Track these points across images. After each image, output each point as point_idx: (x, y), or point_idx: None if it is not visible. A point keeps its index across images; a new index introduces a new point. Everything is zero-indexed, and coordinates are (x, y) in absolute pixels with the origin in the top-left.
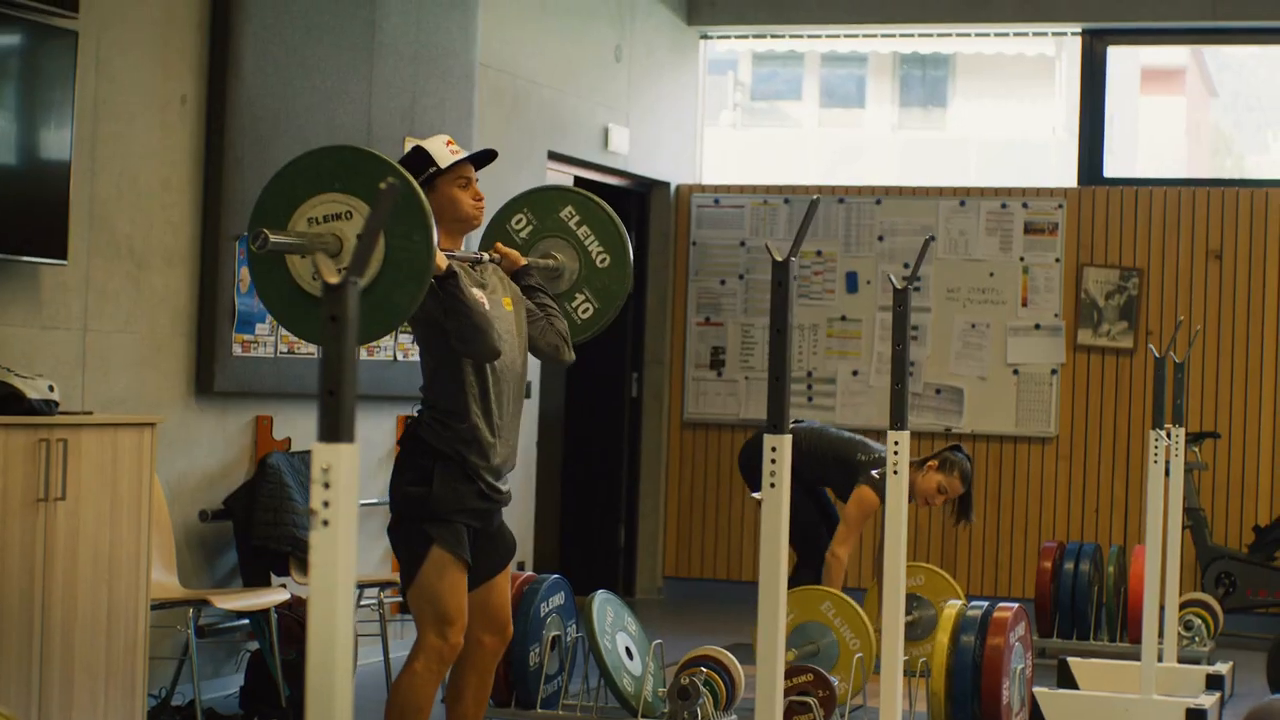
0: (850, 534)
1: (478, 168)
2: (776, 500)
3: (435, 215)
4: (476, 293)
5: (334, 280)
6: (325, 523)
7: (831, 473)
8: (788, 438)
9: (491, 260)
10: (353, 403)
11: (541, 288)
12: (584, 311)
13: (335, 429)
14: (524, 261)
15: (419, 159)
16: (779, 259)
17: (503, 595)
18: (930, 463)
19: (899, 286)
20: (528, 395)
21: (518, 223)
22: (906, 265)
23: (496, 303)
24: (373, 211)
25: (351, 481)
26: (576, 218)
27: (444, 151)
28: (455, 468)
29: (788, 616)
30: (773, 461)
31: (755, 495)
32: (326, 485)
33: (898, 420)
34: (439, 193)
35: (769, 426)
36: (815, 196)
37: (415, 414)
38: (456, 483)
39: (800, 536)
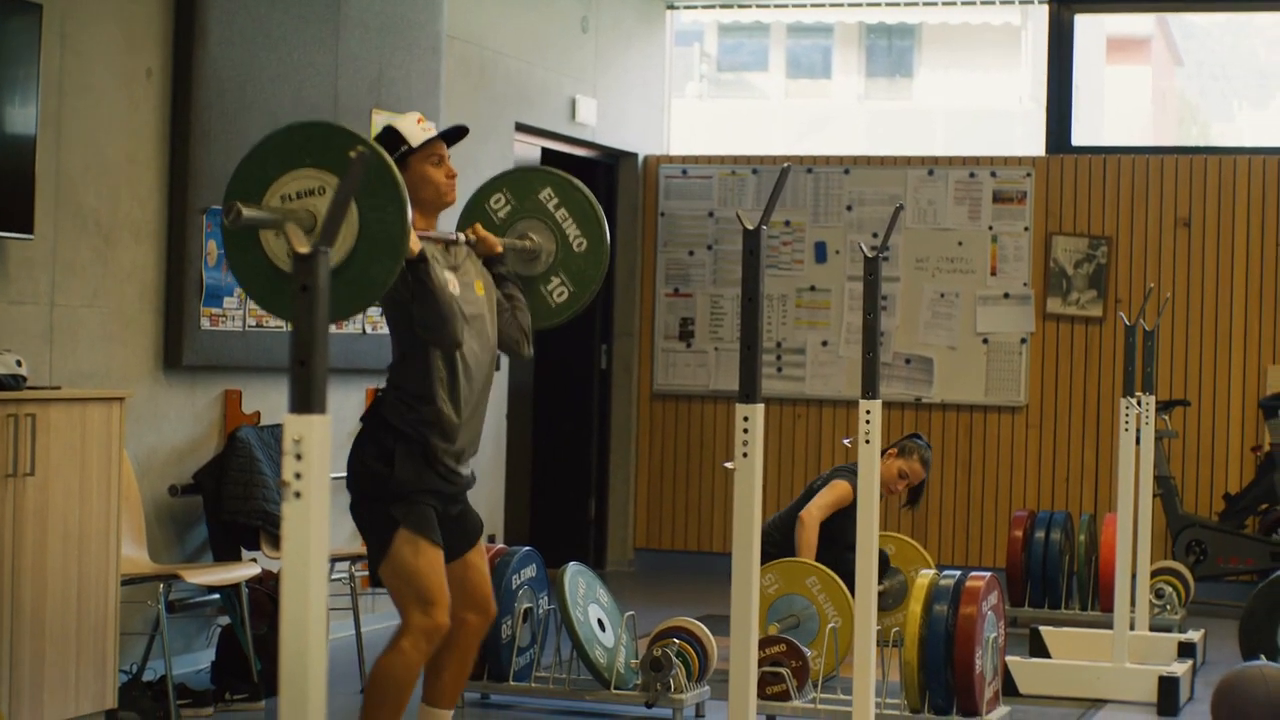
0: (822, 510)
1: (449, 144)
2: (749, 469)
3: (409, 194)
4: (449, 275)
5: (305, 250)
6: (297, 494)
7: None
8: (760, 407)
9: (467, 242)
10: (324, 374)
11: (511, 278)
12: (559, 295)
13: (307, 400)
14: (499, 249)
15: (390, 138)
16: (750, 227)
17: (480, 572)
18: (890, 450)
19: (869, 255)
20: (497, 368)
21: (496, 202)
22: (875, 235)
23: (469, 285)
24: (343, 180)
25: (324, 453)
26: (555, 200)
27: (415, 130)
28: (417, 448)
29: (772, 588)
30: (745, 431)
31: (728, 465)
32: (299, 457)
33: (869, 389)
34: (412, 171)
35: (741, 395)
36: (786, 165)
37: (379, 392)
38: (418, 463)
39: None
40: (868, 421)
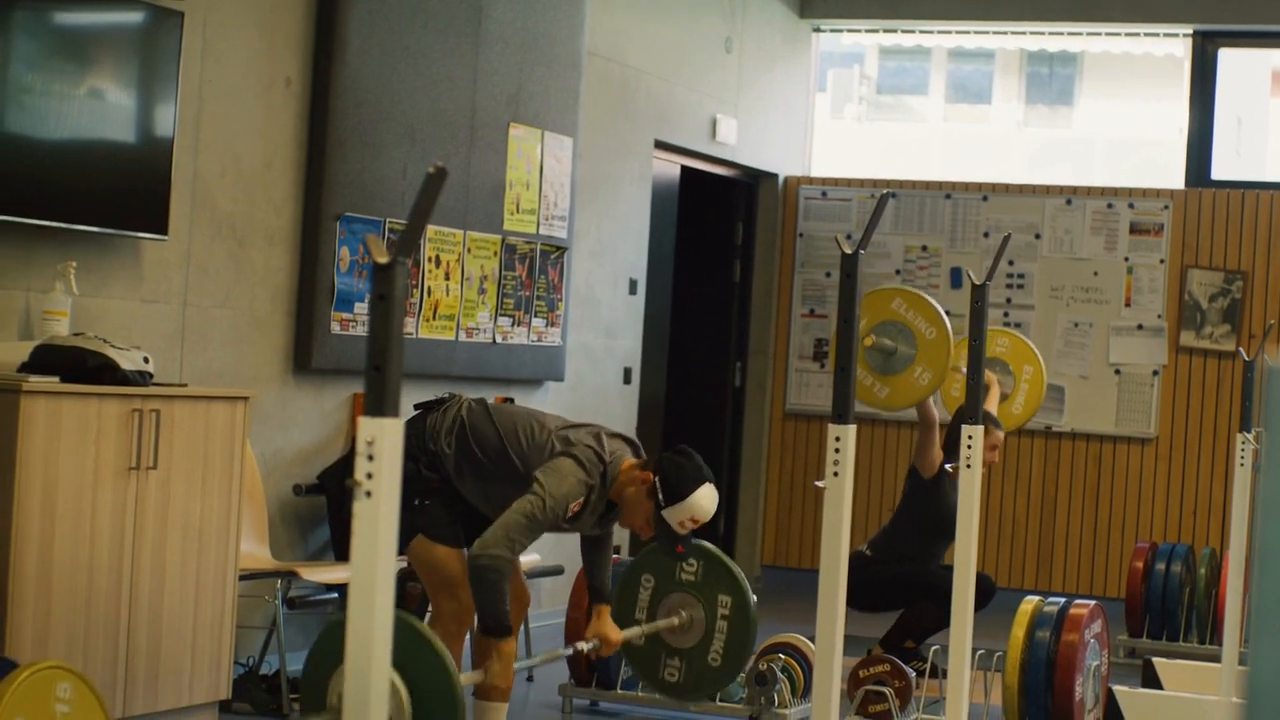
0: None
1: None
2: (839, 489)
3: (630, 501)
4: None
5: (384, 260)
6: (369, 494)
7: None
8: (851, 428)
9: (591, 649)
10: (398, 379)
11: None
12: (670, 675)
13: (381, 403)
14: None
15: (670, 488)
16: (848, 252)
17: None
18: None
19: (977, 283)
20: (627, 381)
21: (689, 566)
22: (1012, 263)
23: None
24: (421, 192)
25: (395, 455)
26: (727, 613)
27: (684, 519)
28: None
29: (861, 320)
30: (836, 450)
31: (819, 484)
32: (370, 458)
33: (971, 414)
34: (656, 514)
35: (834, 416)
36: (887, 191)
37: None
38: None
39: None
40: (969, 446)
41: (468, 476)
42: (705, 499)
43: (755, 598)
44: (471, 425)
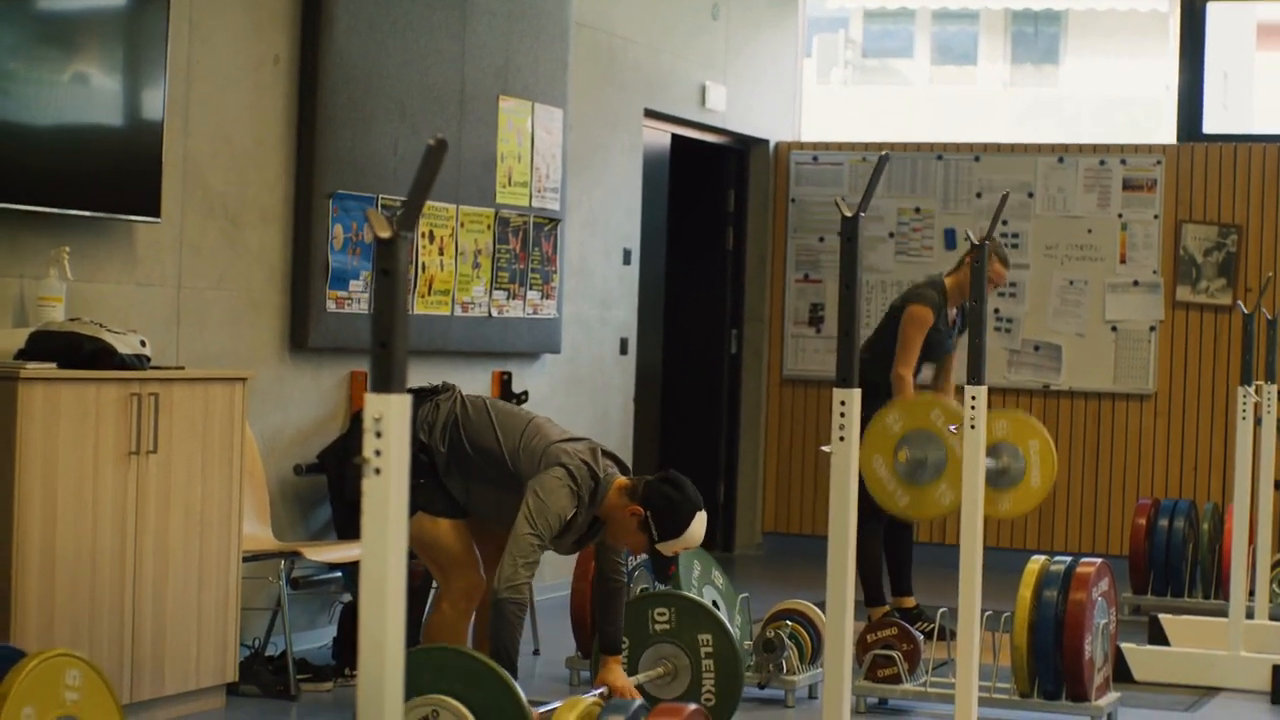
0: (908, 353)
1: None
2: (846, 453)
3: (619, 527)
4: None
5: (386, 235)
6: (378, 471)
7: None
8: (856, 391)
9: (604, 694)
10: (404, 355)
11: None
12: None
13: (387, 380)
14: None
15: (663, 519)
16: (848, 215)
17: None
18: (966, 260)
19: (975, 242)
20: (624, 352)
21: (661, 616)
22: (1006, 222)
23: None
24: (422, 165)
25: (403, 431)
26: (711, 650)
27: (679, 542)
28: None
29: (898, 425)
30: (841, 415)
31: (825, 449)
32: (379, 435)
33: (975, 375)
34: (654, 550)
35: (838, 380)
36: (884, 153)
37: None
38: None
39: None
40: (973, 408)
41: (455, 475)
42: (698, 529)
43: (736, 630)
44: (467, 426)
